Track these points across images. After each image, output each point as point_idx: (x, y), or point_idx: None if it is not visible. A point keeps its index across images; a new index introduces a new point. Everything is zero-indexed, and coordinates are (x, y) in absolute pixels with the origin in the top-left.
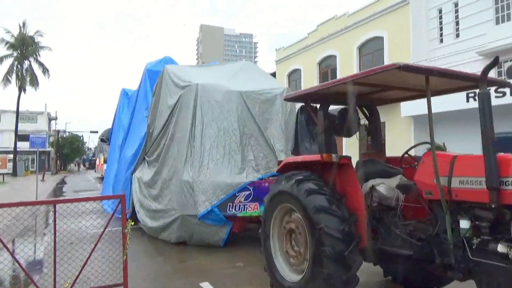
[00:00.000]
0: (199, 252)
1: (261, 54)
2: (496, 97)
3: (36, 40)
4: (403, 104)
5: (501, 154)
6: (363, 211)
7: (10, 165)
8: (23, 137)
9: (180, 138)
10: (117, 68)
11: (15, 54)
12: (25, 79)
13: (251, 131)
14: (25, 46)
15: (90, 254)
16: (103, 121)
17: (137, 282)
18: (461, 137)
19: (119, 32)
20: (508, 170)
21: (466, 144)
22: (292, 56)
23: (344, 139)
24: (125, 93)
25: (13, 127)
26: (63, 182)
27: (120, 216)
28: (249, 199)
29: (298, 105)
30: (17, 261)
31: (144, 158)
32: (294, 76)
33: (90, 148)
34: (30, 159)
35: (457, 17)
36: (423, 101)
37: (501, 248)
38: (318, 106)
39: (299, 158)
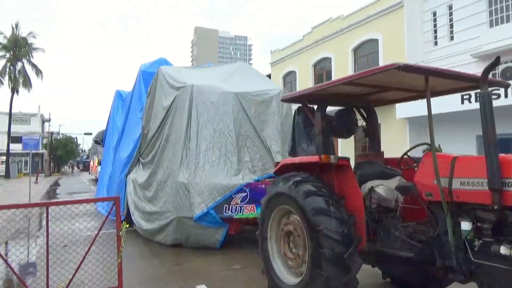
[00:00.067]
0: (195, 255)
1: (256, 56)
2: None
3: (29, 42)
4: (398, 106)
5: (502, 154)
6: (362, 212)
7: (2, 167)
8: (16, 139)
9: (175, 139)
10: (112, 69)
11: (7, 55)
12: (18, 80)
13: (247, 132)
14: (18, 47)
15: (84, 257)
16: (98, 123)
17: (132, 285)
18: (456, 138)
19: (118, 33)
20: (510, 171)
21: (462, 146)
22: (287, 58)
23: (339, 140)
24: (119, 95)
25: (6, 129)
26: (56, 184)
27: (115, 218)
28: (246, 201)
29: (294, 106)
30: (9, 265)
31: (138, 159)
32: (289, 78)
33: (84, 150)
34: (23, 161)
35: (451, 19)
36: (418, 103)
37: (503, 250)
38: (315, 107)
39: (297, 160)
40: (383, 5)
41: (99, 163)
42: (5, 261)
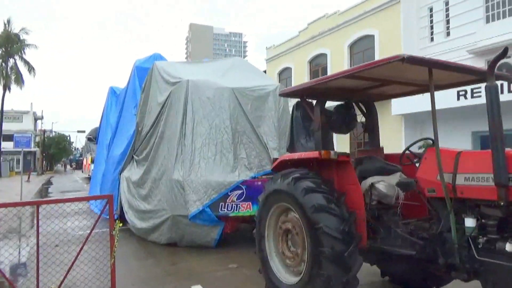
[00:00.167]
0: (190, 254)
1: (251, 53)
2: None
3: (21, 38)
4: (393, 102)
5: (507, 149)
6: (362, 209)
7: None
8: (8, 137)
9: (170, 136)
10: (106, 67)
11: None
12: (9, 77)
13: (243, 128)
14: (10, 43)
15: (76, 257)
16: (91, 120)
17: (125, 287)
18: (451, 135)
19: (112, 31)
20: None
21: (457, 142)
22: (283, 54)
23: (334, 135)
24: (113, 91)
25: None
26: (49, 182)
27: (108, 217)
28: (242, 199)
29: (291, 102)
30: None
31: (132, 157)
32: (284, 74)
33: (77, 148)
34: (15, 159)
35: (447, 15)
36: (414, 99)
37: (509, 247)
38: (314, 102)
39: (296, 155)
40: (379, 1)
41: (92, 161)
42: None
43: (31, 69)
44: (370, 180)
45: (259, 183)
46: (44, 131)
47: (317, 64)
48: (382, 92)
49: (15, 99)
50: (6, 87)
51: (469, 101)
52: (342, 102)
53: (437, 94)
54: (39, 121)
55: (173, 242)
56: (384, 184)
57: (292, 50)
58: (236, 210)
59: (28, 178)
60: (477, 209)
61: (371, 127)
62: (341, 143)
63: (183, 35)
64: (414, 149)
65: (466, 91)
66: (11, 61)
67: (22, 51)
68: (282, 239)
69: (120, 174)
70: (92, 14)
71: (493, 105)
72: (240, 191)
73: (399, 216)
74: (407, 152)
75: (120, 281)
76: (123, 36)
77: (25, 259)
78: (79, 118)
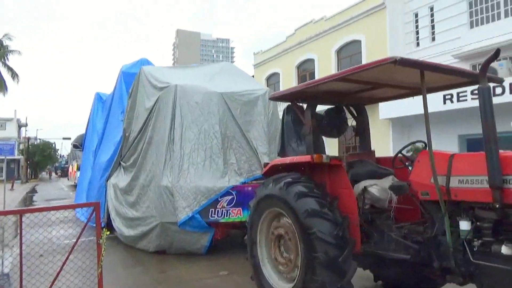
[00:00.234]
0: (179, 261)
1: (238, 59)
2: (472, 99)
3: (4, 44)
4: (381, 107)
5: (501, 151)
6: (356, 214)
7: None
8: None
9: (158, 141)
10: (92, 73)
11: None
12: None
13: (233, 133)
14: None
15: (62, 267)
16: (77, 127)
17: None
18: (438, 138)
19: (113, 31)
20: (511, 167)
21: (444, 146)
22: (270, 60)
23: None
24: (99, 97)
25: None
26: (33, 191)
27: (95, 225)
28: (232, 204)
29: (281, 106)
30: None
31: (119, 163)
32: (272, 79)
33: (63, 155)
34: None
35: (432, 21)
36: (401, 103)
37: (505, 250)
38: (304, 105)
39: (287, 160)
40: (365, 7)
41: (78, 168)
42: None
43: (14, 75)
44: (362, 183)
45: (250, 188)
46: (29, 138)
47: (305, 69)
48: (373, 95)
49: None
50: None
51: (455, 105)
52: (332, 106)
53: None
54: (23, 128)
55: (162, 249)
56: (377, 187)
57: (280, 55)
58: (227, 216)
59: (12, 186)
60: (471, 211)
61: (362, 131)
62: (330, 147)
63: (170, 41)
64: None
65: (452, 95)
66: None
67: (5, 57)
68: (274, 245)
69: (107, 181)
70: (92, 14)
71: (486, 107)
72: (230, 197)
73: (392, 220)
74: (399, 155)
75: None
76: (123, 36)
77: (8, 269)
78: (64, 124)
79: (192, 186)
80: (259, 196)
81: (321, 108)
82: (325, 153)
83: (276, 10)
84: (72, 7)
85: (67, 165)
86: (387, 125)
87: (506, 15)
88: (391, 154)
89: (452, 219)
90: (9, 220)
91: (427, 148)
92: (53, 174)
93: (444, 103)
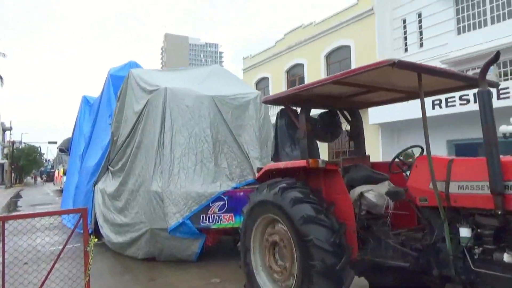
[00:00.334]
0: (169, 269)
1: (227, 64)
2: (460, 104)
3: None
4: (371, 112)
5: (501, 156)
6: (352, 220)
7: None
8: None
9: (148, 145)
10: (79, 76)
11: None
12: None
13: (224, 137)
14: None
15: (47, 276)
16: (63, 131)
17: None
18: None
19: (113, 31)
20: None
21: (433, 150)
22: (260, 64)
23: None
24: (86, 101)
25: None
26: (18, 196)
27: (82, 231)
28: (224, 210)
29: (273, 110)
30: None
31: (107, 168)
32: (262, 84)
33: (49, 160)
34: None
35: (420, 27)
36: (391, 108)
37: (507, 257)
38: (298, 109)
39: (282, 165)
40: (354, 12)
41: (65, 173)
42: None
43: None
44: (358, 189)
45: (241, 193)
46: (13, 142)
47: (294, 74)
48: (367, 99)
49: None
50: None
51: (444, 110)
52: (326, 110)
53: (413, 103)
54: (7, 132)
55: (152, 256)
56: (374, 193)
57: (269, 60)
58: (218, 222)
59: None
60: (472, 218)
61: (356, 135)
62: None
63: (158, 45)
64: (389, 159)
65: (440, 100)
66: None
67: None
68: (269, 252)
69: (94, 186)
70: (92, 14)
71: (486, 110)
72: (222, 202)
73: (388, 226)
74: (399, 159)
75: None
76: (123, 36)
77: None
78: (50, 128)
79: (182, 191)
80: (252, 201)
81: (314, 112)
82: (319, 158)
83: (276, 10)
84: (72, 7)
85: (53, 170)
86: (377, 130)
87: (492, 22)
88: (381, 159)
89: (451, 225)
90: None
91: (424, 153)
92: (39, 178)
93: (433, 108)
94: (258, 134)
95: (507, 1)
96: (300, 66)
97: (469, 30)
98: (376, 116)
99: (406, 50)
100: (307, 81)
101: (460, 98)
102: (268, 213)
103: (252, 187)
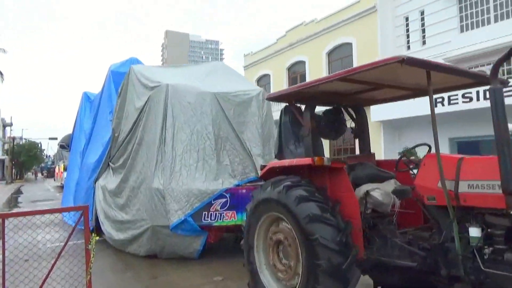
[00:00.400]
0: (171, 266)
1: (228, 61)
2: (463, 102)
3: None
4: (373, 109)
5: None
6: (358, 219)
7: None
8: None
9: (149, 142)
10: (80, 72)
11: None
12: None
13: (226, 134)
14: None
15: (48, 274)
16: (64, 127)
17: None
18: (429, 141)
19: (113, 31)
20: None
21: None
22: (261, 61)
23: None
24: (86, 97)
25: None
26: (19, 192)
27: (83, 227)
28: (226, 207)
29: (274, 107)
30: None
31: (108, 164)
32: (263, 81)
33: (49, 156)
34: None
35: (423, 24)
36: (392, 105)
37: None
38: (302, 106)
39: (286, 162)
40: (356, 10)
41: (65, 169)
42: None
43: None
44: (364, 187)
45: (244, 191)
46: (14, 138)
47: (296, 71)
48: (373, 97)
49: None
50: None
51: (446, 108)
52: (330, 107)
53: (415, 101)
54: (8, 128)
55: (153, 253)
56: (380, 191)
57: (271, 57)
58: (220, 219)
59: None
60: (481, 217)
61: (361, 133)
62: None
63: (158, 42)
64: (390, 156)
65: (443, 98)
66: None
67: None
68: (273, 251)
69: (95, 182)
70: (92, 14)
71: (498, 108)
72: (224, 200)
73: (394, 225)
74: (406, 158)
75: None
76: (123, 36)
77: None
78: (50, 128)
79: (184, 188)
80: (256, 199)
81: (319, 110)
82: (324, 155)
83: (276, 10)
84: (72, 7)
85: (53, 166)
86: (379, 127)
87: (496, 20)
88: (383, 156)
89: (460, 225)
90: None
91: (432, 151)
92: (39, 174)
93: (436, 106)
94: (260, 131)
95: None
96: (301, 63)
97: (472, 28)
98: (378, 113)
99: (408, 47)
100: (308, 78)
101: (463, 96)
102: (272, 211)
103: (254, 185)
